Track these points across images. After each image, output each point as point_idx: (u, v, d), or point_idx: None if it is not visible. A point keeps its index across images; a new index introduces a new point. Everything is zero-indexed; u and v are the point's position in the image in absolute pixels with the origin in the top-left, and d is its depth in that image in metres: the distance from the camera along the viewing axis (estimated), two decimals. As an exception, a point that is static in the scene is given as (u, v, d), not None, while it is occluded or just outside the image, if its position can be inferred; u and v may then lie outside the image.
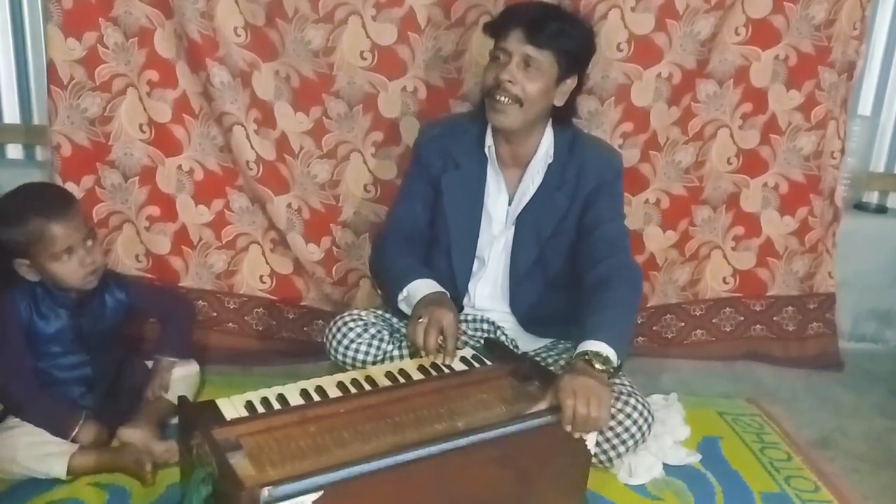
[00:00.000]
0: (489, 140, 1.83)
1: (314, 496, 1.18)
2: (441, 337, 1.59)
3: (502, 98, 1.71)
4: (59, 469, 1.60)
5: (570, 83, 1.77)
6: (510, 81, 1.70)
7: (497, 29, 1.75)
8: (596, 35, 1.86)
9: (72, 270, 1.67)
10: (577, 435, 1.42)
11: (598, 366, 1.49)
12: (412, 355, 1.72)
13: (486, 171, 1.86)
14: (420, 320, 1.61)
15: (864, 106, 2.68)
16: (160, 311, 1.98)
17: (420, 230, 1.90)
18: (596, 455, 1.64)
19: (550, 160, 1.81)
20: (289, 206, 2.20)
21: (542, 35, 1.68)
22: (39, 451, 1.61)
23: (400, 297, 1.75)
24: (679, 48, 2.19)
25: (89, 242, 1.70)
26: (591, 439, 1.47)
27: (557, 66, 1.71)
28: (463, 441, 1.33)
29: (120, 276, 1.94)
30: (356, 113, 2.16)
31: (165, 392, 1.83)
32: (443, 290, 1.73)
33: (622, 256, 1.77)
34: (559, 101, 1.78)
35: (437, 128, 1.93)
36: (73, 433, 1.65)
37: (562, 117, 1.83)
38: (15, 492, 1.58)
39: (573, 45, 1.73)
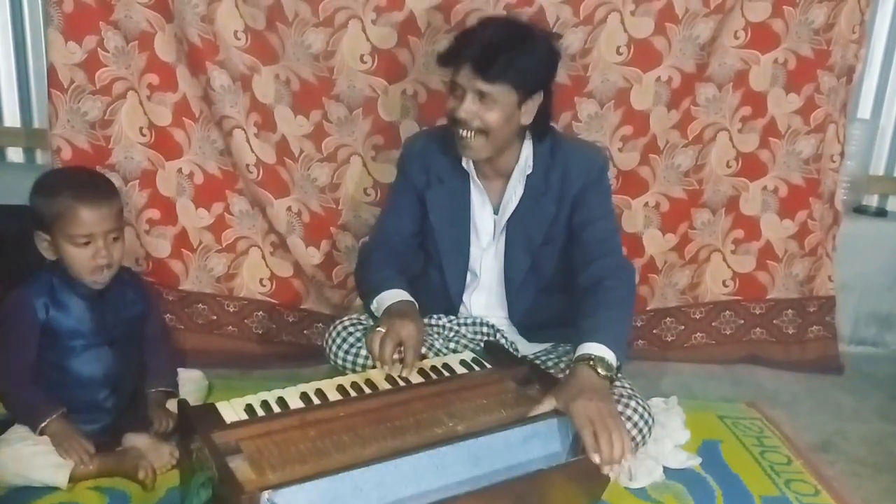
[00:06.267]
0: None
1: None
2: (400, 349, 1.58)
3: (465, 133, 1.68)
4: (61, 479, 1.58)
5: (537, 99, 1.70)
6: (468, 118, 1.66)
7: (449, 61, 1.69)
8: (559, 38, 1.75)
9: (84, 260, 1.61)
10: (606, 470, 1.38)
11: (601, 371, 1.48)
12: (374, 365, 1.65)
13: (469, 184, 1.84)
14: (378, 329, 1.60)
15: (864, 109, 2.69)
16: (154, 328, 1.88)
17: (407, 242, 1.90)
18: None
19: (529, 171, 1.79)
20: (289, 209, 2.20)
21: (491, 70, 1.61)
22: (43, 461, 1.59)
23: (373, 307, 1.75)
24: (678, 52, 2.19)
25: (112, 238, 1.64)
26: (615, 469, 1.42)
27: (515, 93, 1.65)
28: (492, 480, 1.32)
29: (133, 273, 1.89)
30: (356, 116, 2.16)
31: (170, 424, 1.75)
32: (411, 300, 1.70)
33: (614, 255, 1.76)
34: (527, 120, 1.72)
35: (418, 143, 1.91)
36: (42, 425, 1.61)
37: (538, 128, 1.78)
38: (14, 496, 1.58)
39: (529, 71, 1.65)
